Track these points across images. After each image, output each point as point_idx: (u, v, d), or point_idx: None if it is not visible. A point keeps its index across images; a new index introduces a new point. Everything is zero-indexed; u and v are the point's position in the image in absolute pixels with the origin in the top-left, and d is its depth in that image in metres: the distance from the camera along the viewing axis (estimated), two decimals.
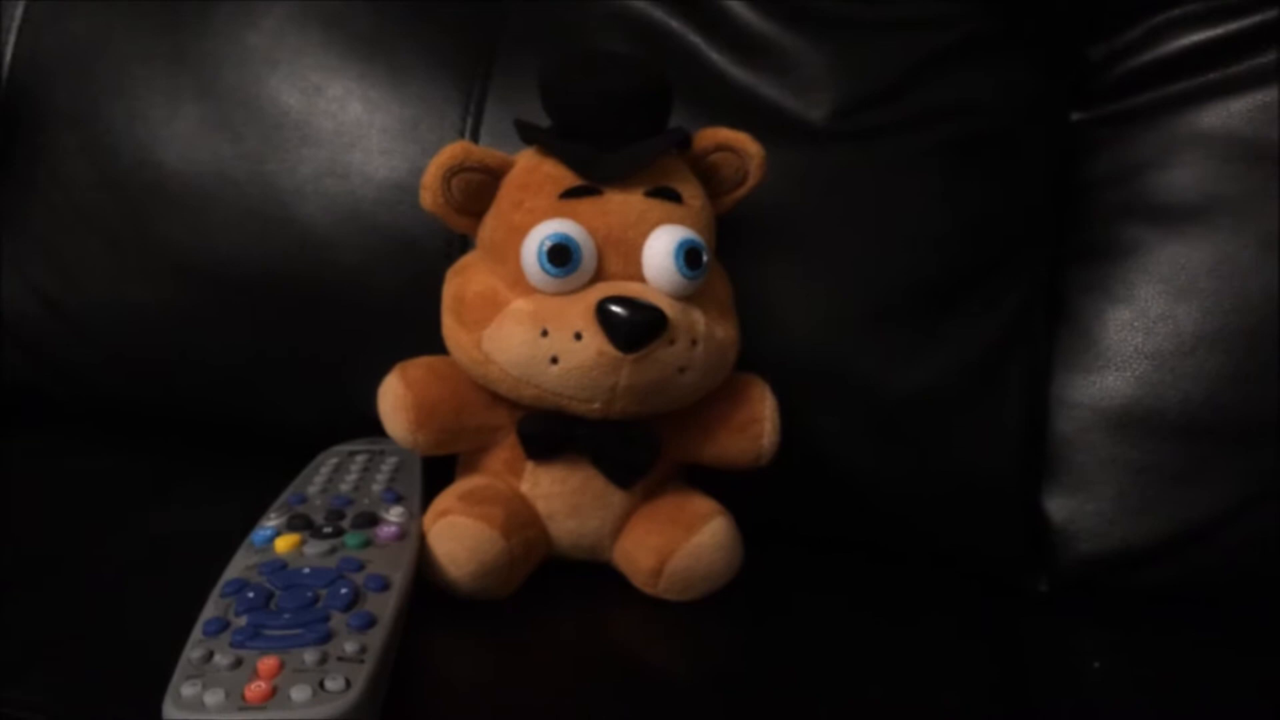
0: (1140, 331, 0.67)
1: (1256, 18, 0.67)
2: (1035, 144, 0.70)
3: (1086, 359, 0.68)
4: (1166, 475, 0.66)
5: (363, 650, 0.44)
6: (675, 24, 0.69)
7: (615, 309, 0.51)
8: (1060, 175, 0.71)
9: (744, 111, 0.67)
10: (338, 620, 0.46)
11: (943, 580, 0.66)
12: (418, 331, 0.58)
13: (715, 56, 0.69)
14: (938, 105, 0.68)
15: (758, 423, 0.58)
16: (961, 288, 0.67)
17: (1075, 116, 0.71)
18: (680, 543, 0.56)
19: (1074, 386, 0.68)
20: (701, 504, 0.58)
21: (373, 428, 0.58)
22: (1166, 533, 0.66)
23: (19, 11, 0.73)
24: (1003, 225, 0.68)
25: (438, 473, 0.60)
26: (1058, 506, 0.68)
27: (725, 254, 0.59)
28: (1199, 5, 0.68)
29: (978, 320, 0.67)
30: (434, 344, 0.58)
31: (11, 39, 0.73)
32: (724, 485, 0.60)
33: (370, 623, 0.46)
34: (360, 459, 0.62)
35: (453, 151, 0.55)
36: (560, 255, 0.52)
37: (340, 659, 0.44)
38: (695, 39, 0.69)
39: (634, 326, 0.51)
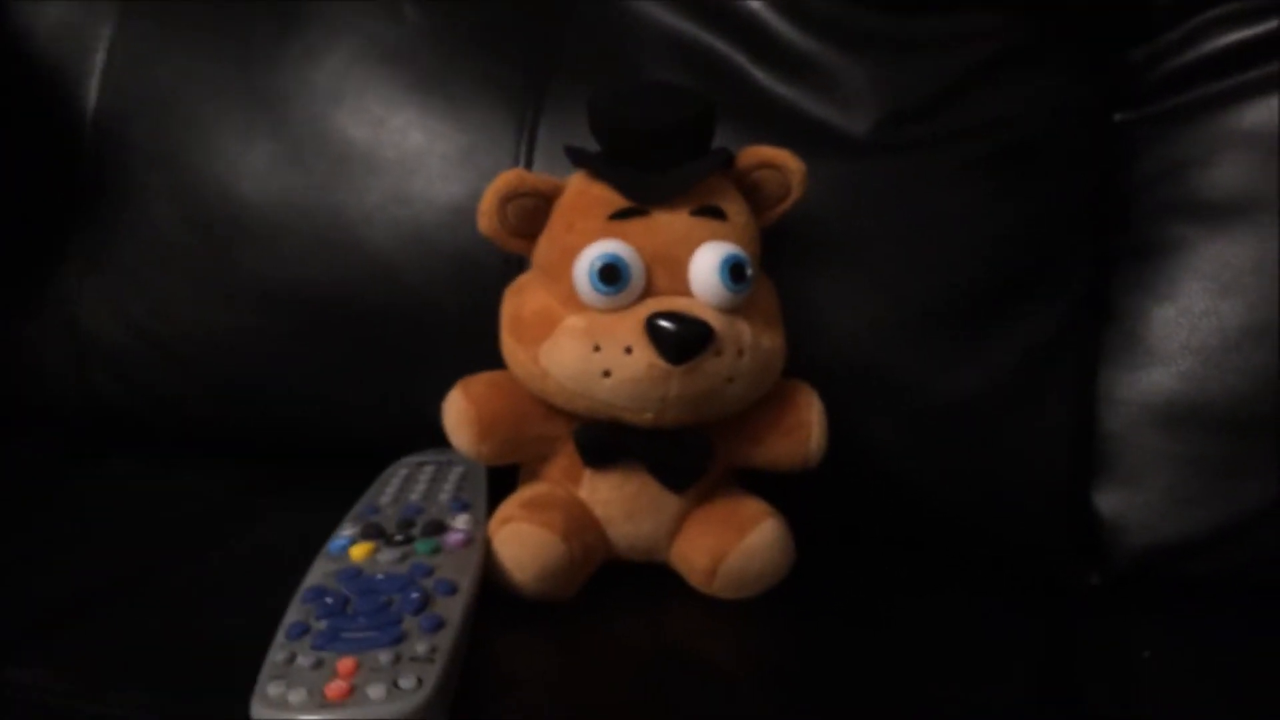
0: (1185, 328, 0.67)
1: None
2: (1077, 149, 0.70)
3: (1133, 356, 0.68)
4: (1214, 468, 0.66)
5: (433, 651, 0.46)
6: (722, 46, 0.70)
7: (664, 323, 0.53)
8: (1104, 176, 0.70)
9: (790, 127, 0.68)
10: (409, 623, 0.48)
11: (993, 575, 0.66)
12: (479, 348, 0.60)
13: (761, 75, 0.70)
14: (978, 116, 0.68)
15: (804, 427, 0.59)
16: (1006, 292, 0.67)
17: (1118, 117, 0.71)
18: (733, 543, 0.57)
19: (1121, 383, 0.68)
20: (753, 506, 0.60)
21: (439, 439, 0.59)
22: (1216, 524, 0.66)
23: (100, 60, 0.75)
24: (1046, 229, 0.68)
25: (501, 481, 0.62)
26: (1108, 501, 0.68)
27: (772, 264, 0.60)
28: (1238, 4, 0.68)
29: (1023, 323, 0.67)
30: (494, 359, 0.59)
31: (94, 85, 0.75)
32: (776, 487, 0.60)
33: (439, 625, 0.48)
34: (428, 470, 0.64)
35: (507, 179, 0.57)
36: (610, 274, 0.54)
37: (412, 659, 0.46)
38: (741, 59, 0.70)
39: (682, 340, 0.53)
